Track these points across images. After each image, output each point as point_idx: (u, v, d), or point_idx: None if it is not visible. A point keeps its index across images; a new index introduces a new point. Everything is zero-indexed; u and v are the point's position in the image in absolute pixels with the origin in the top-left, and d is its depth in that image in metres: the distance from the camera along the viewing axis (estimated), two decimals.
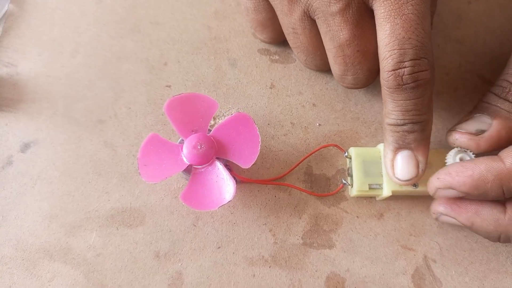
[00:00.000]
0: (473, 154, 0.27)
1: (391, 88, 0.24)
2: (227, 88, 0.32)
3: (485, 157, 0.25)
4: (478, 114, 0.27)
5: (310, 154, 0.30)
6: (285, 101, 0.32)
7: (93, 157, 0.30)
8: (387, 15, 0.24)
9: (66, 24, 0.33)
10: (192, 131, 0.28)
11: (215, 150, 0.27)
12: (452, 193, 0.26)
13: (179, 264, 0.28)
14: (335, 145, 0.30)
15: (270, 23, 0.29)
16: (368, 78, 0.28)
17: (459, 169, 0.25)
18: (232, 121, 0.28)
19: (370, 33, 0.26)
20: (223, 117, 0.31)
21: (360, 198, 0.29)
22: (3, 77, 0.31)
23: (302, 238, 0.29)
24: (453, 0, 0.34)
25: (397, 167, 0.26)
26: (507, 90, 0.27)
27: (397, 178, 0.27)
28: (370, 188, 0.28)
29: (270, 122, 0.31)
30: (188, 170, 0.28)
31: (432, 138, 0.30)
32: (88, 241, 0.28)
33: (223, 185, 0.27)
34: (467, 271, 0.28)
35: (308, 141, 0.31)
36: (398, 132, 0.26)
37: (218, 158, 0.27)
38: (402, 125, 0.25)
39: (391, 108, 0.25)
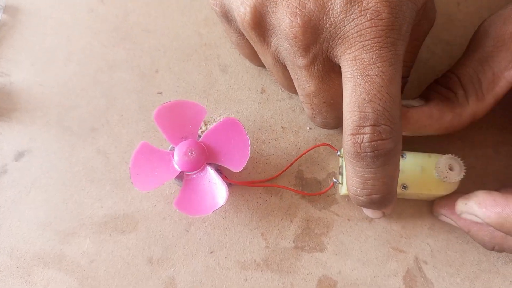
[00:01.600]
0: (462, 161, 0.27)
1: (350, 153, 0.23)
2: (218, 94, 0.32)
3: None
4: (417, 98, 0.28)
5: (304, 153, 0.30)
6: (276, 105, 0.32)
7: (86, 164, 0.30)
8: (350, 74, 0.22)
9: (58, 33, 0.33)
10: (182, 137, 0.28)
11: (205, 156, 0.27)
12: (475, 218, 0.26)
13: (172, 269, 0.28)
14: (328, 145, 0.30)
15: (255, 56, 0.29)
16: (338, 123, 0.27)
17: (489, 202, 0.25)
18: (221, 126, 0.28)
19: (338, 86, 0.25)
20: (214, 123, 0.31)
21: (351, 201, 0.30)
22: None
23: (293, 241, 0.29)
24: (442, 2, 0.34)
25: (364, 209, 0.29)
26: (451, 80, 0.27)
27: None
28: None
29: (261, 126, 0.31)
30: (180, 176, 0.28)
31: (424, 143, 0.30)
32: (82, 248, 0.28)
33: (216, 189, 0.27)
34: (458, 272, 0.28)
35: (299, 145, 0.31)
36: (358, 203, 0.25)
37: (209, 164, 0.28)
38: (361, 196, 0.25)
39: (350, 174, 0.24)
